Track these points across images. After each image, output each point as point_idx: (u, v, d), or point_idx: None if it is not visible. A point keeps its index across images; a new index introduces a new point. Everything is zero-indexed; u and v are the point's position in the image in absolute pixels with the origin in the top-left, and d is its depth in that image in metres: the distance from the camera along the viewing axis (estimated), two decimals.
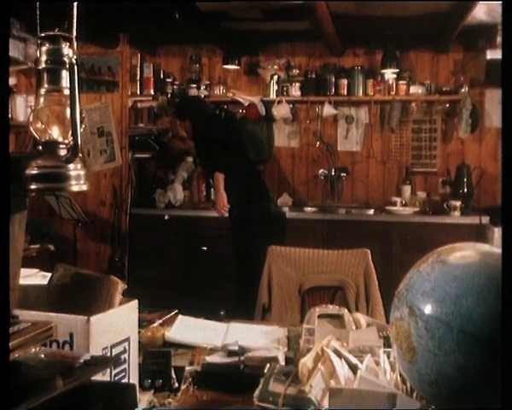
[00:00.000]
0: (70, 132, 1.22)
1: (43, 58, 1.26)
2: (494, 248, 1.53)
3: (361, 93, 6.29)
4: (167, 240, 5.99)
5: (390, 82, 6.22)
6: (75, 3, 1.27)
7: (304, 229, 5.63)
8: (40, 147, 1.25)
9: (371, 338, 2.04)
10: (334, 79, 6.33)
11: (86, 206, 5.95)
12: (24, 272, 1.38)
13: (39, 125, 1.24)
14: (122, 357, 1.58)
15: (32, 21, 1.26)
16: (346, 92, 6.29)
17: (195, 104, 6.05)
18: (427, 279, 1.45)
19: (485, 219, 5.46)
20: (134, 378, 1.64)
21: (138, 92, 6.43)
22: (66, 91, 1.25)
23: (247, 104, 6.38)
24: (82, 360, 1.22)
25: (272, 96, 6.40)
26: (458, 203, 5.68)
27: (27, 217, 1.30)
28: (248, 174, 5.57)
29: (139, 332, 1.83)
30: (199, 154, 5.96)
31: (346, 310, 2.27)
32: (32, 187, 1.20)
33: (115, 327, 1.56)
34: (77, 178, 1.24)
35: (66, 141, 1.24)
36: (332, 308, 2.30)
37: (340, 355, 1.72)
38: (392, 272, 5.16)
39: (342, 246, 3.64)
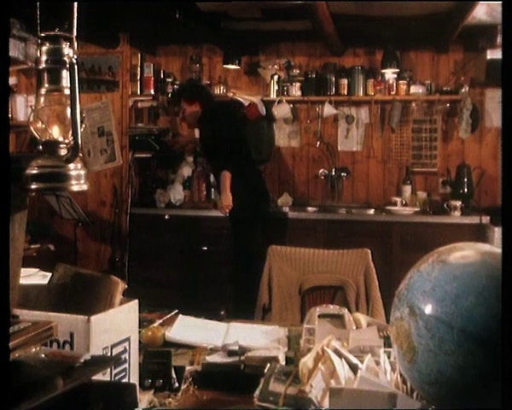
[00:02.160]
0: (70, 132, 1.23)
1: (44, 58, 1.26)
2: (494, 248, 1.53)
3: (361, 93, 6.29)
4: (167, 240, 5.99)
5: (390, 82, 6.22)
6: (75, 3, 1.27)
7: (304, 229, 5.63)
8: (40, 146, 1.25)
9: (371, 338, 2.04)
10: (334, 79, 6.33)
11: (86, 206, 5.95)
12: (24, 271, 1.38)
13: (40, 124, 1.24)
14: (122, 357, 1.58)
15: (33, 21, 1.26)
16: (346, 92, 6.29)
17: (206, 91, 6.04)
18: (428, 279, 1.45)
19: (486, 219, 5.46)
20: (134, 378, 1.64)
21: (138, 92, 6.42)
22: (67, 91, 1.25)
23: (247, 104, 6.38)
24: (82, 360, 1.22)
25: (272, 95, 6.40)
26: (458, 203, 5.68)
27: (27, 217, 1.30)
28: (251, 174, 5.55)
29: (139, 332, 1.83)
30: (206, 149, 5.76)
31: (346, 310, 2.27)
32: (33, 187, 1.20)
33: (116, 327, 1.56)
34: (77, 178, 1.24)
35: (67, 141, 1.24)
36: (332, 308, 2.30)
37: (340, 355, 1.72)
38: (393, 271, 5.16)
39: (342, 246, 3.64)
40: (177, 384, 1.83)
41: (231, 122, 5.65)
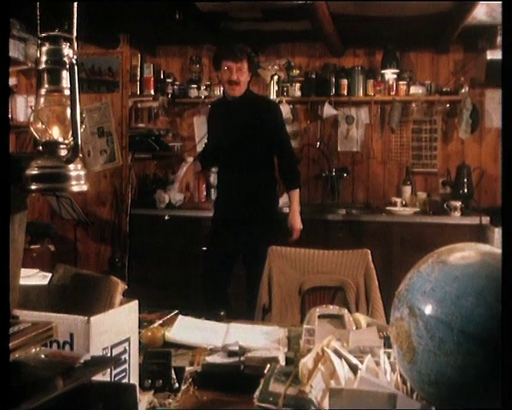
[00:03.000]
0: (70, 132, 1.23)
1: (44, 58, 1.26)
2: (494, 248, 1.53)
3: (361, 93, 6.29)
4: (167, 240, 5.99)
5: (390, 82, 6.23)
6: (75, 3, 1.27)
7: (304, 229, 5.62)
8: (40, 147, 1.25)
9: (371, 338, 2.04)
10: (334, 80, 6.33)
11: (86, 206, 5.95)
12: (24, 272, 1.38)
13: (40, 125, 1.24)
14: (122, 357, 1.58)
15: (33, 21, 1.26)
16: (346, 92, 6.29)
17: None
18: (428, 280, 1.45)
19: (486, 220, 5.46)
20: (134, 379, 1.64)
21: (138, 92, 6.43)
22: (67, 92, 1.25)
23: None
24: (82, 361, 1.22)
25: (272, 96, 6.39)
26: (458, 204, 5.68)
27: (27, 217, 1.30)
28: None
29: (139, 332, 1.83)
30: (250, 142, 4.52)
31: (346, 310, 2.27)
32: (33, 187, 1.20)
33: (115, 327, 1.56)
34: (77, 179, 1.24)
35: (67, 141, 1.24)
36: (332, 309, 2.30)
37: (340, 356, 1.72)
38: (393, 272, 5.16)
39: (342, 246, 3.64)
40: (177, 385, 1.83)
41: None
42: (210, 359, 2.02)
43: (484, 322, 1.33)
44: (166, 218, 6.03)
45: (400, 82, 6.20)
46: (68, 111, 1.23)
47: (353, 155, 6.50)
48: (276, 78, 6.40)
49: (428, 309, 1.40)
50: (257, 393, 1.65)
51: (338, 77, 6.33)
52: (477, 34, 5.73)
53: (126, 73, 6.16)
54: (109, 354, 1.52)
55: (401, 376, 1.61)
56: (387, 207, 6.01)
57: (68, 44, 1.27)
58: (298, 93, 6.39)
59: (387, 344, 1.95)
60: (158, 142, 6.25)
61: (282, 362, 1.96)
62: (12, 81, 5.80)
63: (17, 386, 1.06)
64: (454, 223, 5.56)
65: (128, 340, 1.61)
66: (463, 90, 6.00)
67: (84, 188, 1.25)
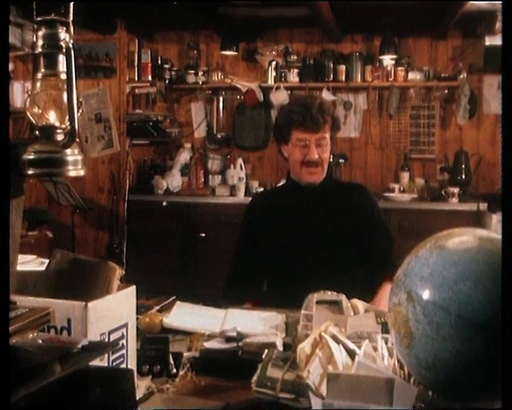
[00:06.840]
0: (67, 117, 1.22)
1: (40, 42, 1.25)
2: (492, 233, 1.52)
3: (359, 79, 6.28)
4: (165, 226, 5.99)
5: (388, 68, 6.22)
6: None
7: None
8: (37, 132, 1.24)
9: (369, 324, 2.04)
10: (332, 65, 6.32)
11: (84, 192, 5.94)
12: (22, 258, 1.38)
13: (36, 109, 1.23)
14: (120, 343, 1.58)
15: (29, 7, 1.25)
16: (344, 78, 6.29)
17: None
18: (426, 264, 1.45)
19: (483, 206, 5.46)
20: (132, 364, 1.64)
21: (136, 78, 6.41)
22: (63, 76, 1.24)
23: (245, 90, 6.37)
24: (80, 346, 1.22)
25: (270, 82, 6.38)
26: (456, 190, 5.68)
27: (25, 203, 1.29)
28: None
29: (137, 318, 1.83)
30: None
31: (344, 296, 2.27)
32: (29, 172, 1.20)
33: (113, 313, 1.55)
34: (74, 164, 1.23)
35: (63, 126, 1.24)
36: (330, 294, 2.30)
37: (337, 341, 1.72)
38: None
39: None
40: (174, 370, 1.83)
41: None
42: (208, 344, 2.02)
43: (481, 307, 1.33)
44: (164, 204, 6.03)
45: (398, 68, 6.19)
46: (65, 95, 1.23)
47: (351, 141, 6.50)
48: (273, 63, 6.38)
49: (426, 294, 1.40)
50: (255, 378, 1.65)
51: (336, 63, 6.31)
52: (475, 20, 5.71)
53: (124, 58, 6.14)
54: (107, 340, 1.52)
55: (398, 361, 1.61)
56: (385, 194, 6.01)
57: (65, 29, 1.26)
58: (296, 79, 6.37)
59: (385, 330, 1.95)
60: (155, 128, 6.23)
61: (280, 347, 1.96)
62: (9, 67, 5.77)
63: (14, 371, 1.06)
64: (452, 209, 5.57)
65: (126, 325, 1.61)
66: (461, 76, 5.99)
67: (81, 173, 1.25)
